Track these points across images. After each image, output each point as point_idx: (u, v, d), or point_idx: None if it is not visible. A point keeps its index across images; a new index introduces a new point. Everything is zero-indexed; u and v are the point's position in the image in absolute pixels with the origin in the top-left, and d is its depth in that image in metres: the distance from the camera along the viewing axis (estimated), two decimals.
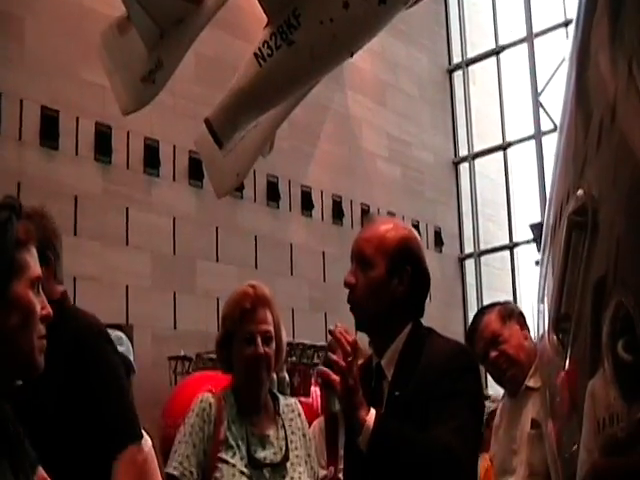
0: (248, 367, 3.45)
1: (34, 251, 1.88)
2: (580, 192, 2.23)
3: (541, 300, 3.08)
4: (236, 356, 3.49)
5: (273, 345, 3.47)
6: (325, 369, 2.66)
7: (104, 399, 3.64)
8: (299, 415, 3.64)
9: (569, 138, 2.79)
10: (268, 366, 3.46)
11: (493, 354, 4.15)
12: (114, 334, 4.43)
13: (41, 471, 2.02)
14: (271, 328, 3.47)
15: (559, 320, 2.48)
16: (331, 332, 2.70)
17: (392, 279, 2.83)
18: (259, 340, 3.42)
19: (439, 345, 2.84)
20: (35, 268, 1.86)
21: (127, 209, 11.74)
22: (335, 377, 2.60)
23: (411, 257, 2.89)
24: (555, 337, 2.57)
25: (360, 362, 2.89)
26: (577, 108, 2.74)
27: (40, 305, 1.86)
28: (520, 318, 4.27)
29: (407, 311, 2.89)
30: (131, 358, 4.50)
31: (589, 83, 2.56)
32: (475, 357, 2.93)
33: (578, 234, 2.26)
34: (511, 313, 4.27)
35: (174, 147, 12.48)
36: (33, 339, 1.84)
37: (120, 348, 4.35)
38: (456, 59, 19.64)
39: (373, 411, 2.61)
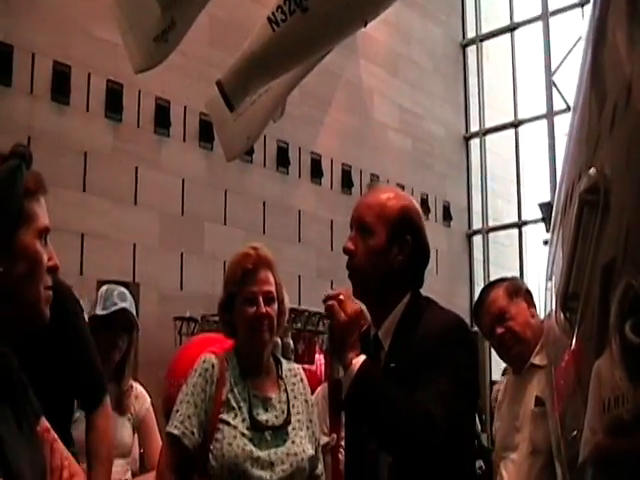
0: (250, 327, 3.45)
1: (43, 202, 1.87)
2: (592, 170, 2.22)
3: (549, 278, 3.07)
4: (238, 317, 3.49)
5: (275, 306, 3.46)
6: (333, 293, 2.69)
7: (86, 354, 3.73)
8: (301, 380, 3.64)
9: (583, 117, 2.77)
10: (270, 326, 3.46)
11: (499, 330, 4.14)
12: (117, 290, 4.44)
13: (44, 421, 2.02)
14: (273, 289, 3.47)
15: (567, 299, 2.47)
16: (325, 299, 2.70)
17: (392, 248, 2.81)
18: (261, 300, 3.41)
19: (436, 316, 2.82)
20: (43, 218, 1.85)
21: (136, 168, 11.72)
22: (338, 300, 2.62)
23: (412, 227, 2.87)
24: (562, 316, 2.56)
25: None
26: (592, 88, 2.71)
27: (47, 256, 1.85)
28: (527, 295, 4.25)
29: (406, 281, 2.87)
30: (134, 312, 4.50)
31: (605, 63, 2.54)
32: (470, 330, 2.90)
33: (589, 213, 2.24)
34: (519, 290, 4.25)
35: (185, 108, 12.45)
36: (39, 289, 1.83)
37: (123, 304, 4.37)
38: (470, 34, 19.54)
39: (363, 357, 2.60)
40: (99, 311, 4.37)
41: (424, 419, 2.50)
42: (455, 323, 2.83)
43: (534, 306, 4.24)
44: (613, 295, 1.95)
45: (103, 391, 3.82)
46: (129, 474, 4.52)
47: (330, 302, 2.64)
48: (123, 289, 4.54)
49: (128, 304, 4.43)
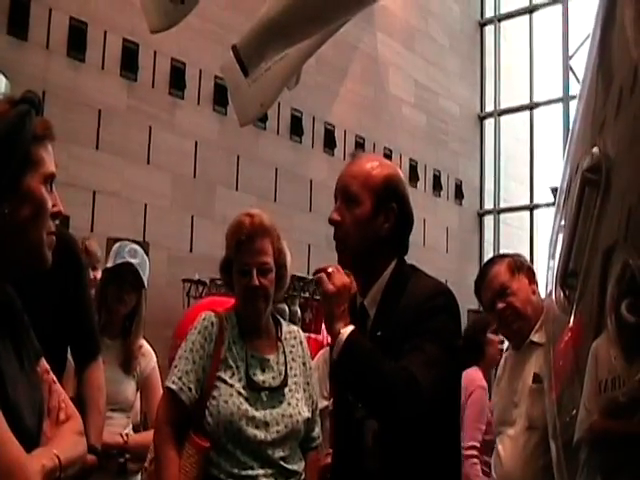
0: (244, 297, 3.46)
1: (50, 148, 1.89)
2: (595, 150, 2.23)
3: (552, 256, 3.09)
4: (235, 284, 3.51)
5: (272, 275, 3.46)
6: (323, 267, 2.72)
7: (87, 310, 3.78)
8: (301, 343, 3.65)
9: (589, 99, 2.78)
10: (265, 296, 3.46)
11: (500, 305, 4.16)
12: (130, 246, 4.46)
13: (44, 362, 2.05)
14: (269, 259, 3.44)
15: (566, 276, 2.48)
16: (315, 272, 2.73)
17: (378, 216, 2.83)
18: (254, 272, 3.41)
19: (420, 284, 2.83)
20: (50, 165, 1.87)
21: (150, 127, 11.70)
22: (327, 272, 2.64)
23: (397, 195, 2.88)
24: (562, 293, 2.58)
25: None
26: (599, 69, 2.72)
27: (52, 202, 1.87)
28: (529, 272, 4.26)
29: (392, 249, 2.89)
30: (146, 272, 4.50)
31: (612, 45, 2.54)
32: (454, 298, 2.91)
33: (591, 192, 2.26)
34: (521, 266, 4.27)
35: (200, 71, 12.41)
36: (42, 233, 1.85)
37: (133, 260, 4.39)
38: (489, 13, 19.43)
39: (351, 327, 2.63)
40: (109, 265, 4.40)
41: (408, 385, 2.51)
42: (439, 290, 2.84)
43: (536, 283, 4.25)
44: (611, 274, 1.97)
45: (98, 347, 3.86)
46: (130, 428, 4.57)
47: (319, 274, 2.66)
48: (137, 247, 4.56)
49: (137, 261, 4.45)
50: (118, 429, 4.38)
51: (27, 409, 1.80)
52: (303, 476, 3.47)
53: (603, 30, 2.69)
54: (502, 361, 4.51)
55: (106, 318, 4.45)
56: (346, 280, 2.68)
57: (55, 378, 2.08)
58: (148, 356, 4.69)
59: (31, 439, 1.80)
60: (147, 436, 4.01)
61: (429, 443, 2.72)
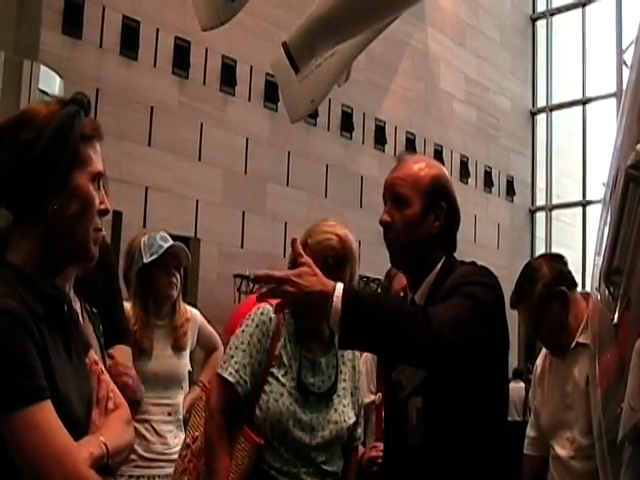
0: (309, 315, 3.39)
1: (98, 148, 1.95)
2: (639, 146, 2.23)
3: (598, 253, 3.08)
4: None
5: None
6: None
7: (119, 302, 3.88)
8: None
9: (636, 94, 2.76)
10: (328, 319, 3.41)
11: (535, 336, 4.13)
12: (158, 234, 4.52)
13: (93, 354, 2.10)
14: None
15: (611, 273, 2.48)
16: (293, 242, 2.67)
17: (428, 216, 2.83)
18: None
19: (462, 268, 2.83)
20: (97, 164, 1.93)
21: (201, 124, 11.82)
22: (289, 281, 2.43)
23: (445, 193, 2.89)
24: (606, 290, 2.57)
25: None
26: None
27: (99, 199, 1.93)
28: (561, 295, 4.12)
29: (441, 246, 2.90)
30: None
31: None
32: (497, 278, 2.85)
33: (635, 188, 2.26)
34: (552, 294, 4.15)
35: (251, 68, 12.50)
36: (89, 230, 1.90)
37: (165, 243, 4.46)
38: (540, 7, 19.32)
39: (340, 285, 2.47)
40: (148, 258, 4.44)
41: (416, 313, 2.42)
42: (478, 269, 2.82)
43: (571, 297, 4.13)
44: None
45: (126, 335, 3.92)
46: (181, 397, 4.65)
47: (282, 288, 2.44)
48: (163, 232, 4.61)
49: (170, 243, 4.50)
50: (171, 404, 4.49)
51: (76, 399, 1.84)
52: (339, 475, 3.48)
53: None
54: (540, 360, 4.43)
55: (157, 304, 4.53)
56: (303, 261, 2.52)
57: (103, 368, 2.13)
58: (193, 321, 4.74)
59: (80, 428, 1.84)
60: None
61: (474, 419, 2.71)
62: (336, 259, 3.29)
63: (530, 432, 4.27)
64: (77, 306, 2.87)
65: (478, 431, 2.73)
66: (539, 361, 4.37)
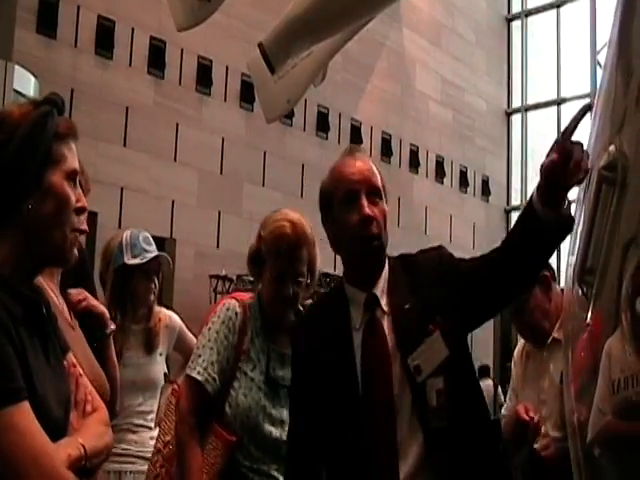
0: (274, 302, 3.41)
1: (73, 147, 1.94)
2: (612, 148, 2.25)
3: (572, 252, 3.10)
4: (264, 283, 3.45)
5: (304, 282, 3.42)
6: None
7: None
8: None
9: (608, 96, 2.77)
10: (294, 304, 3.43)
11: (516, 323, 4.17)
12: (141, 234, 4.46)
13: (71, 356, 2.09)
14: (304, 268, 3.40)
15: (584, 273, 2.48)
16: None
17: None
18: (289, 282, 3.37)
19: (418, 255, 2.84)
20: (72, 162, 1.92)
21: (177, 125, 11.80)
22: None
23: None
24: (579, 290, 2.58)
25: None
26: (617, 67, 2.71)
27: (75, 197, 1.92)
28: (544, 280, 4.19)
29: None
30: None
31: (632, 42, 2.54)
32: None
33: (607, 189, 2.27)
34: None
35: (227, 68, 12.48)
36: (66, 230, 1.89)
37: (152, 248, 4.43)
38: (515, 8, 19.41)
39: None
40: (130, 259, 4.37)
41: None
42: (441, 246, 2.85)
43: (552, 286, 4.21)
44: (626, 270, 1.98)
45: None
46: (155, 405, 4.60)
47: None
48: (145, 232, 4.55)
49: (154, 247, 4.46)
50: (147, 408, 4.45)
51: (54, 401, 1.84)
52: None
53: (622, 24, 2.69)
54: (519, 349, 4.44)
55: (134, 308, 4.48)
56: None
57: (81, 371, 2.12)
58: (171, 326, 4.69)
59: (58, 430, 1.84)
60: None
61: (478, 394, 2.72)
62: (290, 245, 3.27)
63: (505, 412, 4.30)
64: (63, 304, 2.84)
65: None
66: (516, 354, 4.38)
